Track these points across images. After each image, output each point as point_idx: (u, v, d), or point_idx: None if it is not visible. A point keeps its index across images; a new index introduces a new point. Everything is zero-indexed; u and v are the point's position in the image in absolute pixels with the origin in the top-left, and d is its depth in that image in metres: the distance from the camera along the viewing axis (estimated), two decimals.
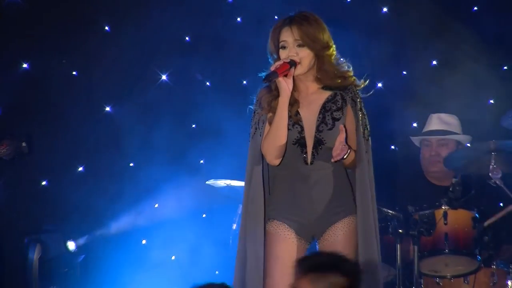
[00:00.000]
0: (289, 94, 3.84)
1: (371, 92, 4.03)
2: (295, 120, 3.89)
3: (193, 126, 6.66)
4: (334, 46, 3.90)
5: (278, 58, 3.90)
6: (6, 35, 6.19)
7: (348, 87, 3.92)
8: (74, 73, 6.45)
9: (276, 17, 6.56)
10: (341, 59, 3.93)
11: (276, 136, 3.86)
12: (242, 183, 5.80)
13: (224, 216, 6.32)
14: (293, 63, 3.83)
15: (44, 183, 6.37)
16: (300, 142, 3.89)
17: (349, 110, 3.91)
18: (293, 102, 3.90)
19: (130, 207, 6.49)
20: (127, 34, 6.41)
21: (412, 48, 6.56)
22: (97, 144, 6.42)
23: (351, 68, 3.94)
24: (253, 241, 3.90)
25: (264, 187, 3.96)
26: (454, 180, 5.51)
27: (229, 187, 5.90)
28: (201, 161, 6.72)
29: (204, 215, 6.71)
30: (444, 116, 6.00)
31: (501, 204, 5.93)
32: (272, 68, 3.82)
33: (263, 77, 3.80)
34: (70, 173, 6.39)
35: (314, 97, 3.93)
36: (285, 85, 3.82)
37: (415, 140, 6.07)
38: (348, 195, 3.96)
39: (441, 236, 5.39)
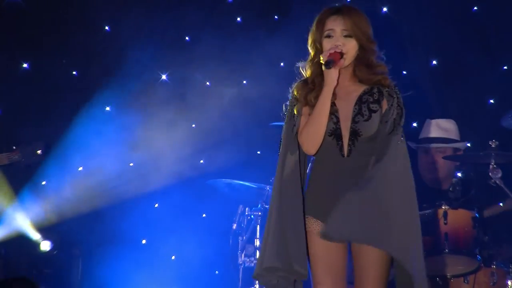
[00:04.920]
0: (335, 84, 3.76)
1: (409, 93, 3.97)
2: (331, 111, 3.80)
3: (193, 126, 6.66)
4: (375, 44, 3.84)
5: (321, 48, 3.80)
6: (6, 35, 6.20)
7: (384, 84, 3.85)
8: (74, 73, 6.46)
9: (276, 17, 6.57)
10: (382, 58, 3.87)
11: (317, 125, 3.76)
12: (242, 182, 5.82)
13: (224, 216, 6.32)
14: (342, 54, 3.75)
15: (44, 183, 6.37)
16: (336, 134, 3.80)
17: (384, 104, 3.82)
18: None
19: (130, 207, 6.50)
20: (127, 34, 6.41)
21: (412, 48, 6.55)
22: (97, 144, 6.42)
23: (387, 69, 3.87)
24: (295, 236, 3.75)
25: (301, 180, 3.85)
26: (454, 180, 5.51)
27: (229, 187, 5.90)
28: (201, 161, 6.72)
29: (204, 215, 6.71)
30: (442, 122, 5.97)
31: (501, 204, 5.93)
32: (326, 56, 3.71)
33: (326, 63, 3.68)
34: (70, 173, 6.39)
35: (351, 89, 3.86)
36: (334, 75, 3.74)
37: (412, 144, 6.06)
38: None
39: (441, 236, 5.39)
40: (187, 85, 6.64)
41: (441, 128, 5.96)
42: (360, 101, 3.83)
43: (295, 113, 3.85)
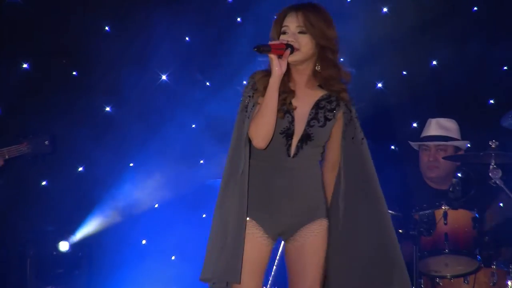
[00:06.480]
0: (281, 75, 3.69)
1: (362, 104, 3.96)
2: (287, 109, 3.74)
3: (193, 126, 6.66)
4: (337, 45, 3.77)
5: None
6: (6, 35, 6.20)
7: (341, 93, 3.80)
8: (74, 73, 6.46)
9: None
10: (345, 67, 3.80)
11: (265, 117, 3.68)
12: None
13: None
14: (289, 46, 3.70)
15: (44, 183, 6.37)
16: (288, 133, 3.75)
17: (340, 116, 3.79)
18: (289, 91, 3.76)
19: (130, 207, 6.50)
20: (127, 34, 6.41)
21: (412, 48, 6.55)
22: (97, 144, 6.42)
23: (350, 79, 3.80)
24: (234, 243, 3.71)
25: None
26: (454, 180, 5.51)
27: None
28: (201, 161, 6.72)
29: (204, 215, 6.71)
30: (442, 121, 5.97)
31: (501, 204, 5.93)
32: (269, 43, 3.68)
33: (257, 46, 3.66)
34: (70, 173, 6.39)
35: (310, 92, 3.80)
36: (277, 64, 3.68)
37: (414, 144, 6.07)
38: (322, 197, 3.80)
39: (441, 236, 5.40)
40: (187, 85, 6.64)
41: (441, 126, 5.96)
42: (317, 106, 3.78)
43: (247, 103, 3.77)
